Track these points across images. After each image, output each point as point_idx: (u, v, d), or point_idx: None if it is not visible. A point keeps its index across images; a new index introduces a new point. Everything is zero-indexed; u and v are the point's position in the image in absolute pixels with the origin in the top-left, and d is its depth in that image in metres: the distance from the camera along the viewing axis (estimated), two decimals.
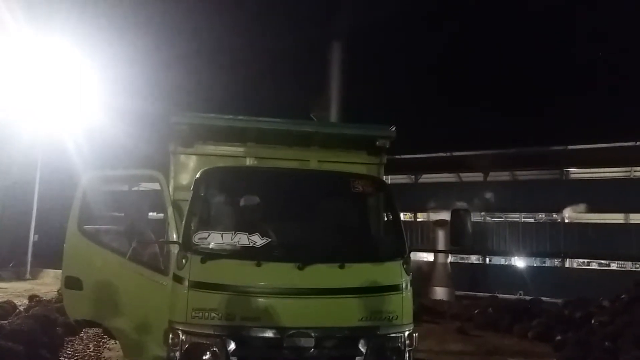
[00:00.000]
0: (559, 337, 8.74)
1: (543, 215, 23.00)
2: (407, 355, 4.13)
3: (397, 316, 4.13)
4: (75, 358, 6.89)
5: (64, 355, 6.94)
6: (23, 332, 6.21)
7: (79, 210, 4.91)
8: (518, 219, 23.46)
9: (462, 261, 22.71)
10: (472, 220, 4.78)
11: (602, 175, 20.81)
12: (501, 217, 23.59)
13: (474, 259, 23.12)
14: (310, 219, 4.63)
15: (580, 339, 8.26)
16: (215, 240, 4.11)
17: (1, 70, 16.85)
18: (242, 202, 4.50)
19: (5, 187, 21.20)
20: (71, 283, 4.80)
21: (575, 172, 21.74)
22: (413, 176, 24.81)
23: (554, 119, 27.59)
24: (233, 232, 4.17)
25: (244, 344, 3.88)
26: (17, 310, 9.05)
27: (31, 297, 10.83)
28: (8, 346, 5.30)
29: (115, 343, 7.96)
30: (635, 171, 20.08)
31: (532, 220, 23.27)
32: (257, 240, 4.11)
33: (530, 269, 21.60)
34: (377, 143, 5.19)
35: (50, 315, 7.87)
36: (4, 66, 16.89)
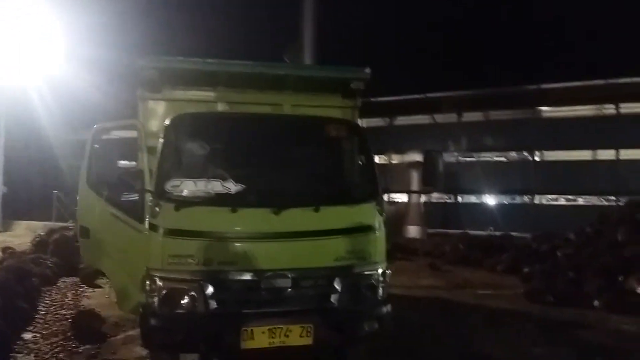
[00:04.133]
0: (526, 270, 9.14)
1: (514, 154, 23.43)
2: (381, 291, 4.27)
3: (371, 255, 4.24)
4: (53, 307, 6.92)
5: (42, 304, 6.96)
6: None
7: (87, 162, 5.10)
8: (490, 158, 23.87)
9: (435, 201, 23.18)
10: (444, 161, 4.86)
11: (573, 113, 21.11)
12: (474, 157, 23.96)
13: (446, 198, 23.62)
14: (284, 164, 4.61)
15: (546, 271, 8.65)
16: (188, 187, 4.07)
17: None
18: (213, 149, 4.43)
19: None
20: (83, 232, 5.06)
21: (547, 111, 22.00)
22: (388, 119, 24.78)
23: (526, 58, 27.56)
24: (206, 178, 4.14)
25: (222, 288, 3.92)
26: None
27: (4, 249, 10.69)
28: None
29: (94, 291, 8.04)
30: (604, 109, 20.41)
31: (503, 159, 23.70)
32: (231, 186, 4.09)
33: (501, 206, 22.24)
34: (352, 85, 5.11)
35: (25, 266, 7.82)
36: None
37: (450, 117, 23.55)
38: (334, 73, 5.25)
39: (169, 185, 4.04)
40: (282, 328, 3.87)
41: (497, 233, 16.25)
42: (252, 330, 3.83)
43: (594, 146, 20.55)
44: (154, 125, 5.06)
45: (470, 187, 22.88)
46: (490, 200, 22.71)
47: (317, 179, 4.67)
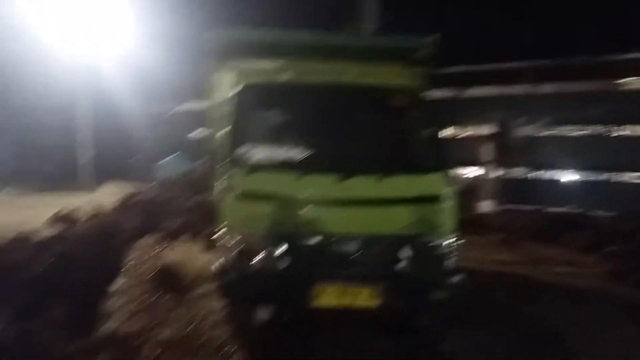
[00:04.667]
0: (607, 249, 8.67)
1: (595, 128, 21.93)
2: (451, 261, 4.25)
3: (441, 224, 4.24)
4: (139, 260, 7.42)
5: (129, 257, 7.49)
6: (90, 237, 6.72)
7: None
8: (569, 132, 22.50)
9: (509, 176, 22.29)
10: (517, 133, 4.70)
11: None
12: (552, 131, 22.69)
13: (520, 173, 22.62)
14: (351, 132, 4.66)
15: (629, 251, 8.16)
16: (258, 153, 4.24)
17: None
18: (281, 117, 4.55)
19: (62, 106, 22.00)
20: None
21: (633, 83, 20.31)
22: (457, 90, 23.91)
23: (606, 26, 25.36)
24: (276, 145, 4.28)
25: (293, 248, 4.09)
26: (83, 219, 9.74)
27: (93, 208, 11.57)
28: (78, 249, 5.77)
29: (174, 249, 8.54)
30: None
31: (583, 133, 22.27)
32: (298, 153, 4.21)
33: (581, 183, 20.98)
34: (418, 54, 5.01)
35: (112, 223, 8.44)
36: None
37: (526, 89, 22.36)
38: (399, 42, 5.14)
39: (240, 151, 4.22)
40: (350, 289, 3.99)
41: (576, 211, 15.44)
42: (321, 289, 3.98)
43: None
44: (225, 94, 5.21)
45: (547, 162, 21.77)
46: (568, 176, 21.53)
47: (385, 148, 4.69)
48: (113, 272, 6.47)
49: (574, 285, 6.85)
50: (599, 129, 21.58)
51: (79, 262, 5.49)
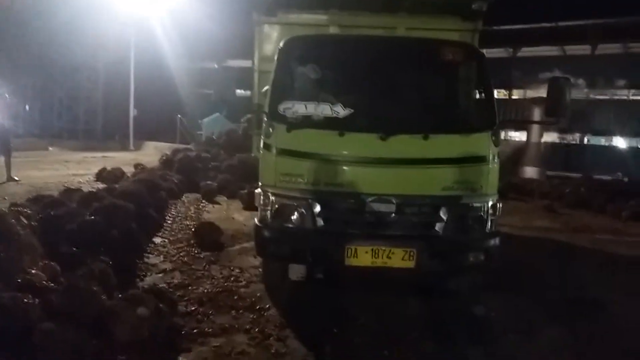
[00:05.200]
0: None
1: None
2: (489, 224, 4.15)
3: (481, 186, 4.11)
4: (178, 218, 7.64)
5: (169, 215, 7.72)
6: (132, 193, 6.91)
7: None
8: (625, 97, 21.37)
9: (558, 141, 21.49)
10: (571, 90, 4.44)
11: None
12: (607, 95, 21.59)
13: (570, 138, 21.76)
14: (396, 88, 4.50)
15: None
16: (299, 109, 4.16)
17: None
18: (325, 71, 4.44)
19: (105, 66, 22.43)
20: None
21: None
22: (511, 49, 22.89)
23: None
24: (317, 101, 4.19)
25: (329, 207, 4.08)
26: (125, 176, 10.05)
27: (136, 165, 11.91)
28: (121, 204, 5.95)
29: (213, 207, 8.74)
30: None
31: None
32: (340, 110, 4.11)
33: (634, 150, 20.04)
34: (473, 6, 4.77)
35: (155, 180, 8.66)
36: None
37: (583, 49, 21.19)
38: None
39: (281, 107, 4.16)
40: (385, 250, 3.96)
41: (626, 179, 14.83)
42: (356, 248, 3.96)
43: None
44: (269, 49, 5.15)
45: (599, 127, 20.83)
46: (621, 143, 20.55)
47: (429, 106, 4.53)
48: (155, 228, 6.69)
49: (617, 253, 6.63)
50: None
51: (122, 217, 5.66)
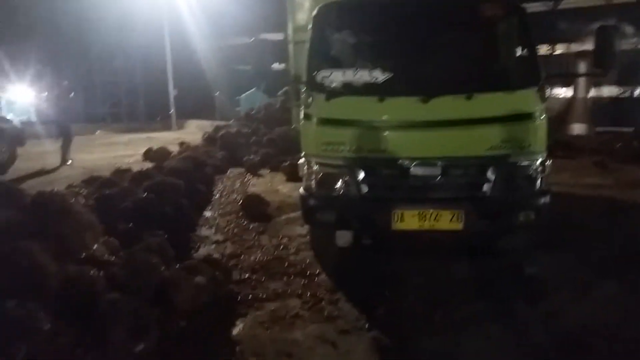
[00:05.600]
0: None
1: None
2: (539, 182, 4.07)
3: (529, 144, 4.01)
4: (225, 192, 7.84)
5: (216, 190, 7.93)
6: (180, 171, 7.13)
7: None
8: None
9: (606, 95, 20.49)
10: (619, 39, 4.23)
11: None
12: None
13: (618, 92, 20.69)
14: (435, 48, 4.40)
15: None
16: (337, 77, 4.15)
17: None
18: (361, 37, 4.40)
19: (141, 49, 22.80)
20: None
21: None
22: (551, 2, 21.78)
23: None
24: (355, 68, 4.17)
25: (373, 173, 4.09)
26: (171, 155, 10.33)
27: (180, 144, 12.21)
28: (171, 181, 6.15)
29: (258, 180, 8.90)
30: None
31: None
32: (379, 75, 4.08)
33: None
34: None
35: (200, 157, 8.88)
36: None
37: None
38: None
39: (319, 76, 4.16)
40: (431, 212, 3.96)
41: None
42: (402, 213, 3.98)
43: None
44: (302, 18, 5.10)
45: None
46: None
47: (471, 64, 4.41)
48: (204, 202, 6.90)
49: None
50: None
51: (173, 194, 5.86)
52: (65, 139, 10.65)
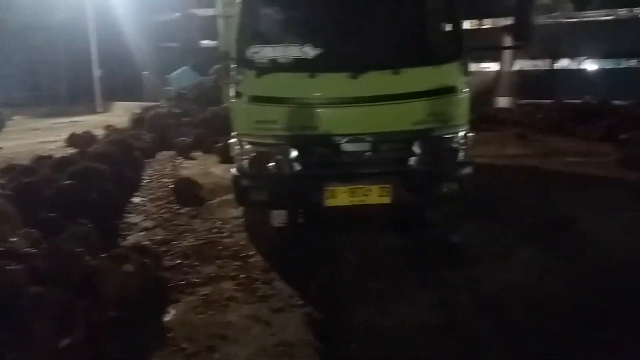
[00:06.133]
0: (623, 136, 8.54)
1: (624, 12, 20.68)
2: (462, 154, 4.23)
3: (452, 117, 4.16)
4: (155, 176, 7.60)
5: (145, 174, 7.66)
6: (106, 155, 6.82)
7: None
8: (595, 17, 21.27)
9: (527, 68, 21.51)
10: (536, 12, 4.44)
11: None
12: (576, 18, 21.48)
13: (539, 64, 21.78)
14: (362, 25, 4.43)
15: None
16: (267, 53, 4.11)
17: None
18: (290, 13, 4.35)
19: (62, 26, 21.39)
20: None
21: None
22: None
23: None
24: (285, 44, 4.13)
25: (304, 151, 4.10)
26: (97, 139, 9.84)
27: (106, 127, 11.65)
28: (96, 166, 5.89)
29: (190, 163, 8.69)
30: None
31: (610, 17, 21.05)
32: (309, 51, 4.06)
33: (603, 71, 20.15)
34: None
35: (127, 140, 8.51)
36: None
37: None
38: None
39: (249, 53, 4.09)
40: (361, 188, 4.04)
41: (594, 101, 15.03)
42: (334, 189, 4.04)
43: None
44: None
45: (569, 51, 20.86)
46: (591, 65, 20.68)
47: (397, 40, 4.48)
48: (132, 188, 6.67)
49: (585, 174, 6.87)
50: (622, 12, 20.40)
51: (98, 180, 5.62)
52: None
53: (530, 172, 7.04)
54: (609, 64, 20.49)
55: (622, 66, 20.44)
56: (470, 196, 4.37)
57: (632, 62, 19.61)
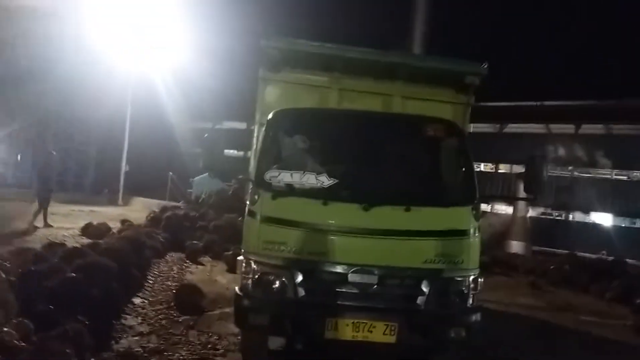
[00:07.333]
0: (639, 301, 8.32)
1: (638, 173, 21.30)
2: (471, 298, 4.14)
3: (463, 260, 4.13)
4: (160, 278, 7.54)
5: (151, 274, 7.61)
6: (116, 251, 6.85)
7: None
8: (609, 176, 21.90)
9: (543, 216, 21.74)
10: (548, 168, 4.60)
11: None
12: (591, 174, 22.13)
13: (555, 214, 22.04)
14: (380, 161, 4.63)
15: None
16: (285, 178, 4.24)
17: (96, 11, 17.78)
18: (311, 143, 4.59)
19: (100, 120, 22.66)
20: None
21: None
22: (498, 125, 23.62)
23: None
24: (302, 171, 4.29)
25: (310, 277, 4.05)
26: (111, 232, 9.96)
27: (123, 221, 11.83)
28: (103, 262, 5.89)
29: (197, 268, 8.64)
30: None
31: (625, 178, 21.64)
32: (325, 180, 4.20)
33: (618, 229, 20.28)
34: (467, 80, 4.98)
35: (140, 238, 8.59)
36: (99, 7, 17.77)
37: (567, 128, 21.95)
38: (449, 64, 5.12)
39: (267, 176, 4.24)
40: (366, 323, 3.92)
41: (610, 258, 14.91)
42: (336, 321, 3.92)
43: None
44: (271, 107, 5.26)
45: (584, 205, 21.17)
46: (605, 221, 20.83)
47: (412, 179, 4.63)
48: (135, 287, 6.58)
49: (599, 335, 6.59)
50: (636, 174, 20.97)
51: (103, 276, 5.59)
52: (44, 205, 10.89)
53: (542, 326, 6.80)
54: (623, 222, 20.66)
55: (636, 226, 20.56)
56: (477, 344, 4.20)
57: None
